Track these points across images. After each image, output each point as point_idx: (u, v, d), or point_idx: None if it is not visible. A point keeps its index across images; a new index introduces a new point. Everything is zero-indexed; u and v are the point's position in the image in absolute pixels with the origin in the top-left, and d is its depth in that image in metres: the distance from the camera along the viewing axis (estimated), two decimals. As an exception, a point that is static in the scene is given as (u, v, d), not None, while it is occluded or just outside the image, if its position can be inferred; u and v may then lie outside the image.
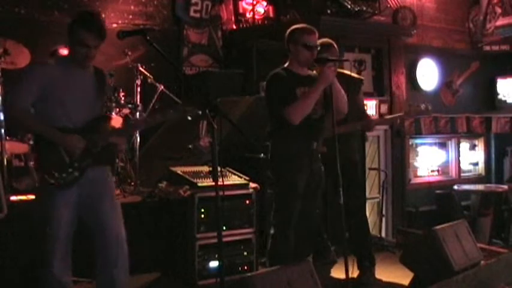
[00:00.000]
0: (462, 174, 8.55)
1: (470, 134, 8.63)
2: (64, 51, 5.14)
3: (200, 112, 3.05)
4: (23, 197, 4.44)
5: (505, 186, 7.63)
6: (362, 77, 4.92)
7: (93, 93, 3.21)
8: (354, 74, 4.80)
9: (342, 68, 4.48)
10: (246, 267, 4.33)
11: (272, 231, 3.80)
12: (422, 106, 4.70)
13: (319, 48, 4.40)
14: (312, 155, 3.77)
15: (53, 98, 3.04)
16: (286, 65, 3.82)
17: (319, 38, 4.57)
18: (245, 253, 4.35)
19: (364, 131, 5.08)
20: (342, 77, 4.52)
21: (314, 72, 3.84)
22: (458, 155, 8.56)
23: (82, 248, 3.23)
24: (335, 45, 4.46)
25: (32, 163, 4.71)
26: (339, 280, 4.24)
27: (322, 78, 3.58)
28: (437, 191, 7.74)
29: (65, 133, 3.04)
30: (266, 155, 3.89)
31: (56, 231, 3.04)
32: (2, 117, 4.58)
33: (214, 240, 3.84)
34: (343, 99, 3.77)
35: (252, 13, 6.99)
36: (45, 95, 3.03)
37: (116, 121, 4.36)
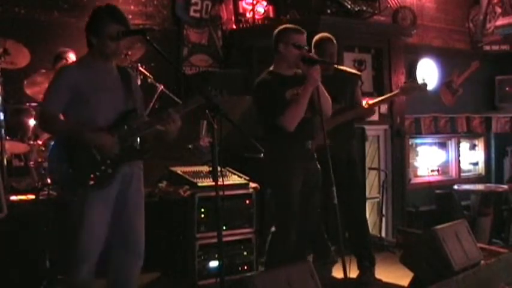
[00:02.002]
0: (462, 174, 8.54)
1: (470, 134, 8.62)
2: (71, 55, 5.12)
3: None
4: (23, 197, 4.45)
5: (505, 186, 7.62)
6: (359, 73, 4.90)
7: (121, 91, 3.16)
8: (351, 70, 4.81)
9: (342, 65, 4.48)
10: (246, 267, 4.33)
11: (272, 232, 3.79)
12: (419, 82, 4.62)
13: (318, 44, 4.43)
14: (307, 155, 3.77)
15: (80, 100, 3.01)
16: (271, 68, 3.78)
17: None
18: (245, 253, 4.35)
19: (363, 119, 4.94)
20: (339, 73, 4.53)
21: (299, 70, 3.76)
22: (458, 155, 8.55)
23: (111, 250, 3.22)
24: (334, 40, 4.45)
25: (32, 163, 4.72)
26: (339, 280, 4.24)
27: (310, 80, 3.54)
28: (437, 191, 7.73)
29: (94, 132, 3.00)
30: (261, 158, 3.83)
31: (92, 233, 3.01)
32: (2, 117, 4.58)
33: (214, 240, 3.85)
34: (328, 101, 3.72)
35: (252, 13, 6.98)
36: (73, 98, 3.00)
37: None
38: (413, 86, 4.63)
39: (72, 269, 3.03)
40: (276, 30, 3.77)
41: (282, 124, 3.57)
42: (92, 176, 2.99)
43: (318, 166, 3.85)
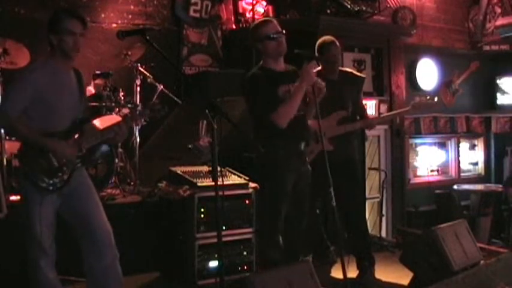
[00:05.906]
0: (462, 174, 8.55)
1: (470, 134, 8.63)
2: None
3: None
4: (23, 197, 4.44)
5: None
6: (364, 75, 4.92)
7: (77, 94, 3.23)
8: (356, 72, 4.82)
9: (342, 65, 4.50)
10: (246, 267, 4.33)
11: (261, 236, 3.76)
12: (427, 98, 4.72)
13: (321, 47, 4.43)
14: (300, 156, 3.69)
15: (42, 102, 3.04)
16: (261, 63, 3.71)
17: (319, 37, 4.60)
18: (245, 253, 4.34)
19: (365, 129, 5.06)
20: (345, 75, 4.54)
21: (290, 66, 3.72)
22: (458, 155, 8.55)
23: (80, 248, 3.23)
24: (337, 43, 4.46)
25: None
26: (339, 280, 4.24)
27: (305, 77, 3.46)
28: (437, 191, 7.73)
29: (55, 140, 3.05)
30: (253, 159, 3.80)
31: (44, 231, 3.04)
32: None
33: (214, 240, 3.84)
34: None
35: (251, 13, 6.99)
36: (36, 101, 3.03)
37: (105, 121, 4.35)
38: (424, 104, 4.70)
39: (33, 262, 3.06)
40: (249, 33, 3.73)
41: (273, 121, 3.47)
42: (46, 181, 3.05)
43: (310, 169, 3.77)
